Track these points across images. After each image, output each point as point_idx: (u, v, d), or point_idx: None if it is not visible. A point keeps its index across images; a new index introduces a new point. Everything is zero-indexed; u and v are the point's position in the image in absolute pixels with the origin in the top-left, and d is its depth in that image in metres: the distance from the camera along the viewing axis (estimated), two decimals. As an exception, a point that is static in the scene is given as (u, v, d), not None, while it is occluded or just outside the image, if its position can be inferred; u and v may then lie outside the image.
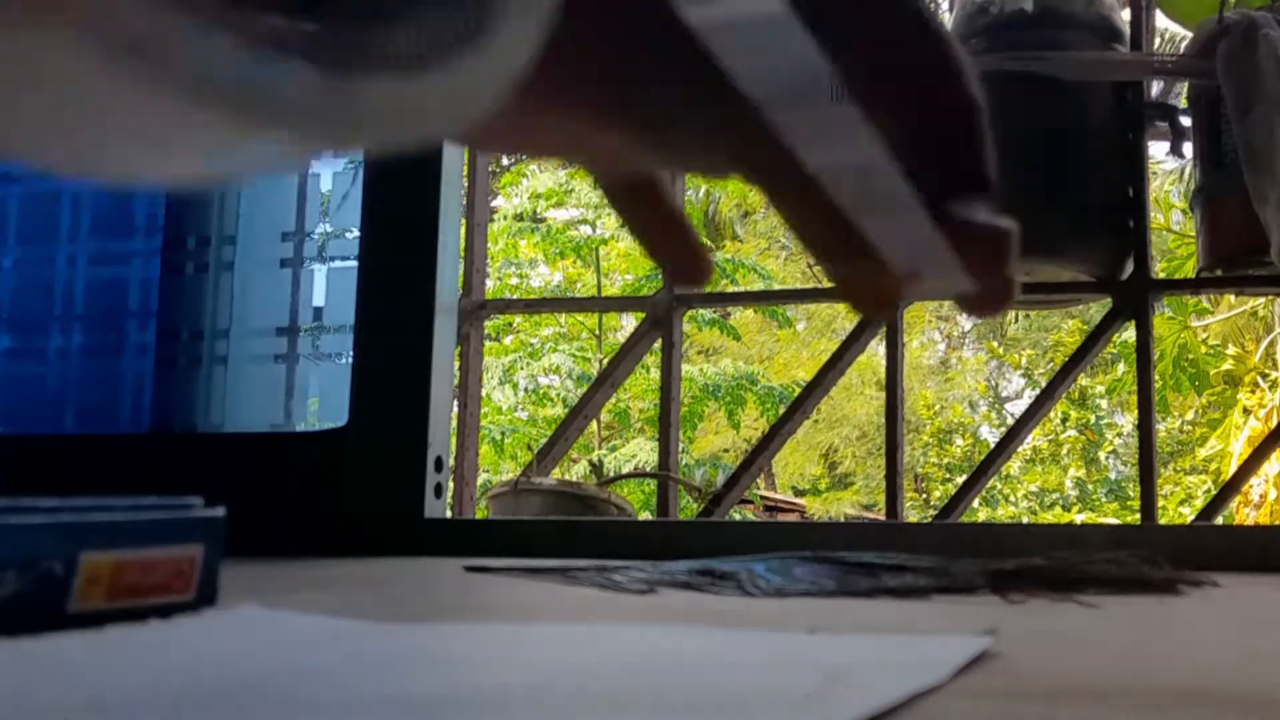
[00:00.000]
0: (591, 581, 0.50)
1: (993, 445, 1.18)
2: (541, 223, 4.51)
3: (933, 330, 6.51)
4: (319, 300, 0.94)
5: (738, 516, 3.10)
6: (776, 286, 4.51)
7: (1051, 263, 1.10)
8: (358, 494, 0.87)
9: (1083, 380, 4.14)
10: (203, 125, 0.14)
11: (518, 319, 4.15)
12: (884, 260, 0.25)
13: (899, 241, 0.25)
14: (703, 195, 5.12)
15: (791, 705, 0.19)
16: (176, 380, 0.93)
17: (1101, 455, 4.97)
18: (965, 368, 6.45)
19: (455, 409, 0.95)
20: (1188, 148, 1.08)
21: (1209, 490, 3.48)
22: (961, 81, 0.31)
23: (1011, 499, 4.95)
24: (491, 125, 0.28)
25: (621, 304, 3.51)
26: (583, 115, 0.28)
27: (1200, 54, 1.00)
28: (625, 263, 4.68)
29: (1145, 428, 1.05)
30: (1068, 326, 4.18)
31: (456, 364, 1.06)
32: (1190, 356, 3.41)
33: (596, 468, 4.07)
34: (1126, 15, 1.14)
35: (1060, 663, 0.26)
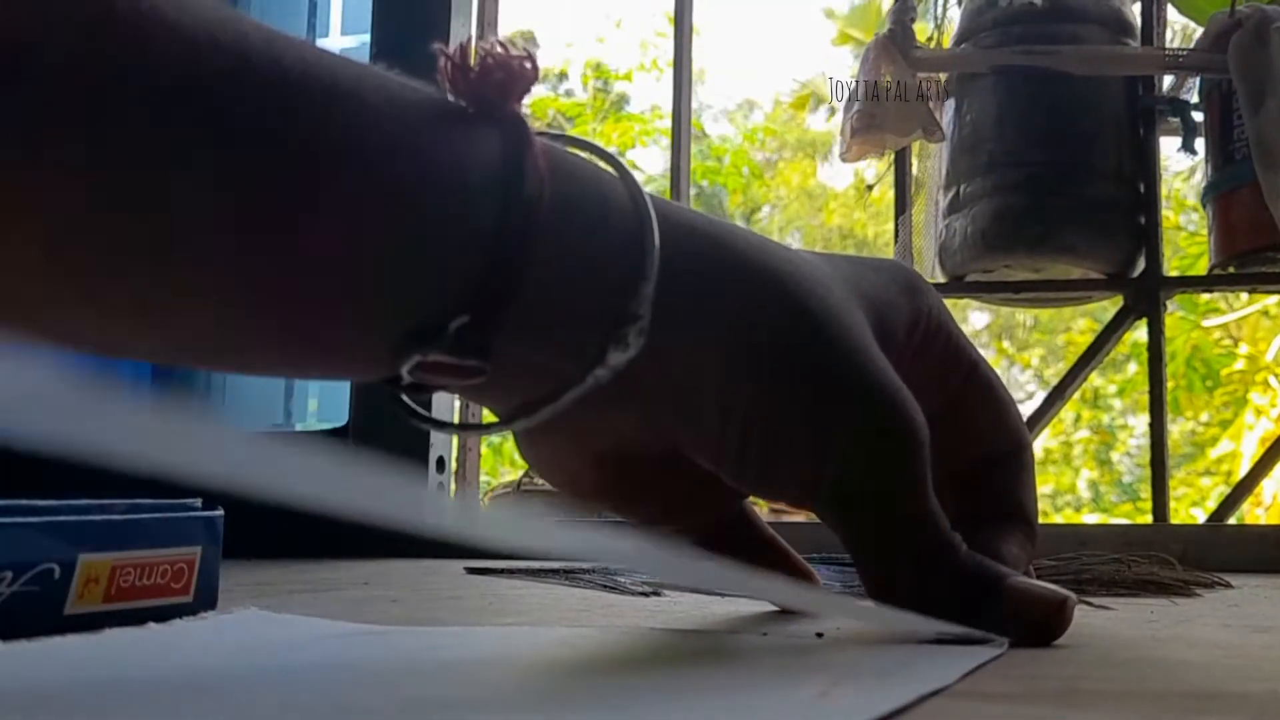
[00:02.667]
0: (595, 583, 0.50)
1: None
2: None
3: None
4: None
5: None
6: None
7: (1061, 260, 1.09)
8: (360, 495, 0.86)
9: (1095, 380, 4.13)
10: None
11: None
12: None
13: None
14: (708, 191, 5.12)
15: (797, 708, 0.19)
16: (174, 379, 0.93)
17: (1114, 456, 4.95)
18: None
19: (457, 408, 0.95)
20: (1200, 143, 1.07)
21: (1221, 492, 3.46)
22: (1009, 419, 0.34)
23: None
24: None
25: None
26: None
27: (1212, 48, 1.00)
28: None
29: (1157, 426, 1.04)
30: (1079, 325, 4.17)
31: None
32: (1202, 357, 3.39)
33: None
34: (1138, 9, 1.13)
35: (1071, 664, 0.25)
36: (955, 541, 0.28)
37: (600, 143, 0.28)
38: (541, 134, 0.26)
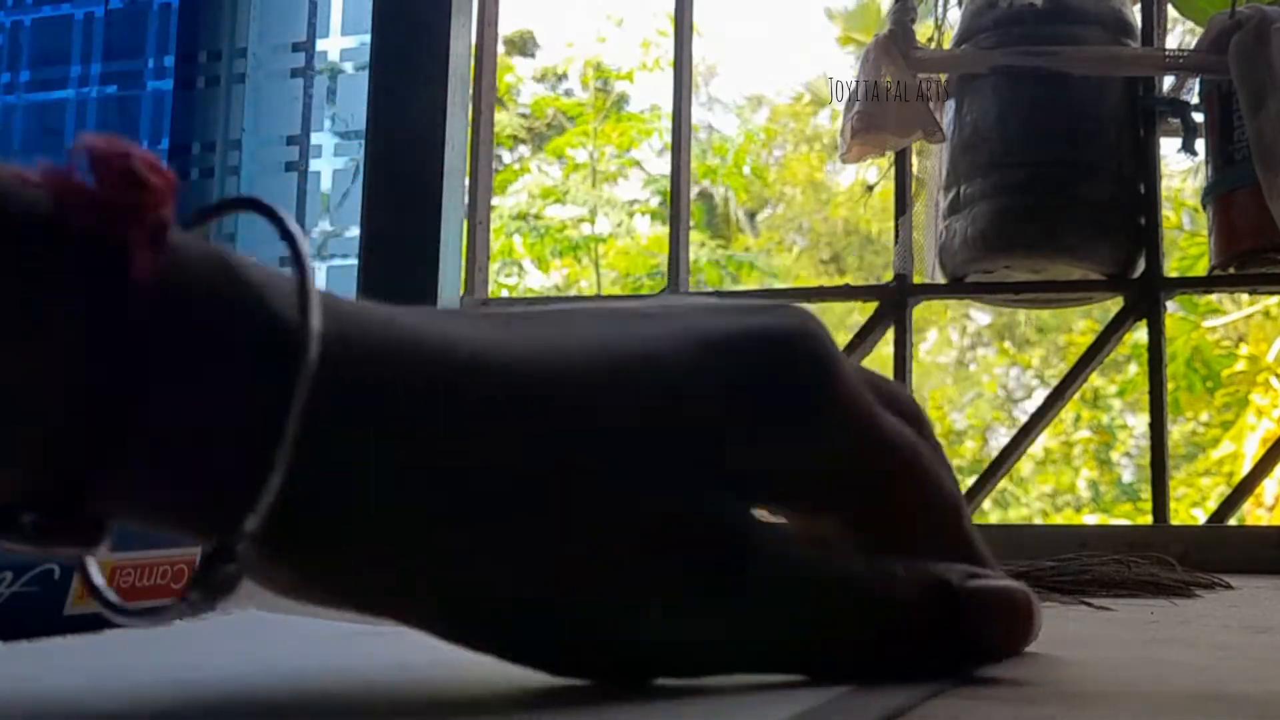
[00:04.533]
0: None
1: (1004, 446, 1.18)
2: (539, 220, 4.54)
3: (953, 328, 6.51)
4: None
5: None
6: (785, 283, 4.52)
7: (1061, 260, 1.09)
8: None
9: (1096, 380, 4.13)
10: None
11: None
12: None
13: None
14: (719, 191, 5.13)
15: (801, 710, 0.19)
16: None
17: (1114, 456, 4.95)
18: (981, 366, 6.45)
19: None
20: (1200, 144, 1.07)
21: (1222, 492, 3.47)
22: (940, 483, 0.26)
23: (1024, 500, 4.94)
24: None
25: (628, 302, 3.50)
26: None
27: (1212, 49, 1.00)
28: (625, 261, 4.69)
29: (1157, 427, 1.04)
30: (1080, 326, 4.17)
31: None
32: (1203, 358, 3.39)
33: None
34: (1138, 10, 1.13)
35: (1072, 666, 0.25)
36: (854, 560, 0.23)
37: (287, 212, 0.21)
38: (204, 211, 0.21)
